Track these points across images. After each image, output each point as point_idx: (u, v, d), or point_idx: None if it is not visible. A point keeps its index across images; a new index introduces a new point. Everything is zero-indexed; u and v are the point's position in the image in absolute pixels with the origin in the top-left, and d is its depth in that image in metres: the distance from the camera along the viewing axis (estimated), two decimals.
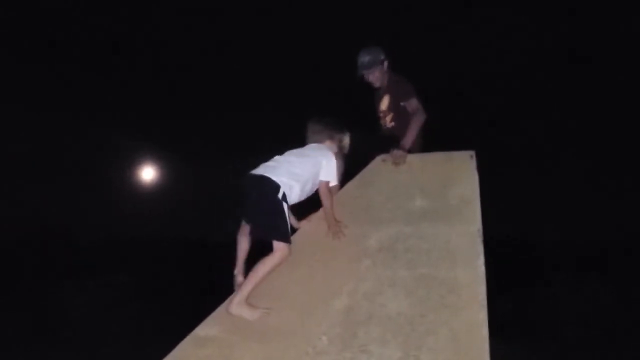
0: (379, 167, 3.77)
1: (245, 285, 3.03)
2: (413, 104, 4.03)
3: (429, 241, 3.21)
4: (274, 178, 3.18)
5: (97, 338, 7.73)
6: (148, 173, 15.56)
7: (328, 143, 3.66)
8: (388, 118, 4.34)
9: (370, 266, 3.14)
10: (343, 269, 3.18)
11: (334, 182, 3.49)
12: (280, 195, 3.14)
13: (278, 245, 3.08)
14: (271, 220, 3.13)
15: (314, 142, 3.65)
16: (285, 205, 3.16)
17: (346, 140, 3.77)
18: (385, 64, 4.30)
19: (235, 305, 2.99)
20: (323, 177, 3.42)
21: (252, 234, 3.33)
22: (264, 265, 3.05)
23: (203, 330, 2.99)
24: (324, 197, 3.41)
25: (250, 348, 2.83)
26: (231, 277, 3.41)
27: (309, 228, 3.53)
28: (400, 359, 2.65)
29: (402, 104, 4.09)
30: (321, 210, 3.50)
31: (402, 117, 4.13)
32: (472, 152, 3.64)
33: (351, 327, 2.84)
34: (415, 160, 3.75)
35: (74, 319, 8.54)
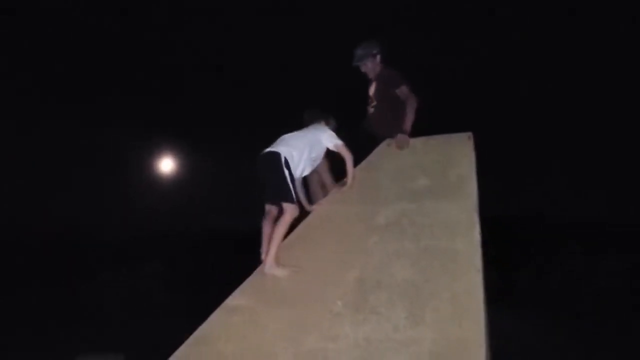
0: (385, 150, 4.15)
1: (271, 248, 3.53)
2: (404, 90, 4.41)
3: (431, 216, 3.58)
4: (274, 150, 3.76)
5: (130, 321, 8.26)
6: (172, 167, 15.99)
7: (323, 124, 4.23)
8: (371, 105, 4.76)
9: (378, 240, 3.52)
10: (355, 243, 3.57)
11: (339, 141, 4.03)
12: (282, 162, 3.68)
13: (287, 206, 3.62)
14: (279, 186, 3.66)
15: (312, 123, 4.23)
16: (287, 172, 3.68)
17: (333, 122, 4.36)
18: (378, 57, 4.68)
19: (268, 266, 3.51)
20: (333, 142, 4.01)
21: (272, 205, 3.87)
22: (280, 227, 3.57)
23: (233, 300, 3.39)
24: (347, 159, 3.99)
25: (274, 314, 3.23)
26: (256, 262, 3.84)
27: (323, 210, 3.93)
28: (406, 319, 3.02)
29: (395, 91, 4.44)
30: (331, 194, 4.08)
31: (384, 104, 4.56)
32: (470, 134, 4.00)
33: (363, 293, 3.21)
34: (418, 143, 4.11)
35: (109, 306, 9.09)
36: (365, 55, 4.66)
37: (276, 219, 3.77)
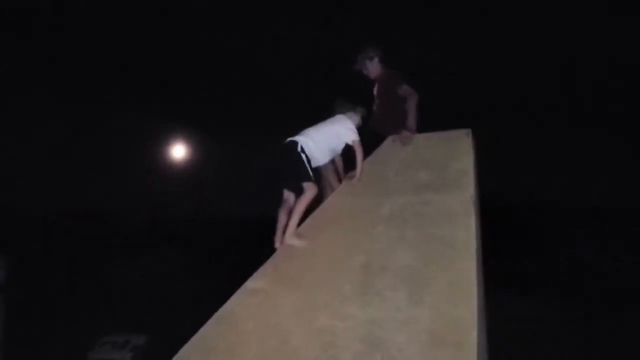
0: (390, 146, 4.48)
1: (292, 221, 3.96)
2: (405, 89, 4.76)
3: (432, 207, 3.91)
4: (291, 139, 4.21)
5: (152, 304, 8.66)
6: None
7: (350, 112, 4.60)
8: (375, 104, 5.14)
9: (383, 229, 3.86)
10: (361, 232, 3.91)
11: (356, 137, 4.40)
12: (299, 148, 4.13)
13: (306, 185, 4.04)
14: (297, 169, 4.11)
15: (339, 113, 4.60)
16: (304, 155, 4.12)
17: (361, 110, 4.74)
18: (376, 59, 5.03)
19: (288, 237, 3.95)
20: (351, 138, 4.37)
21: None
22: (301, 204, 4.01)
23: (251, 283, 3.75)
24: (358, 154, 4.36)
25: (289, 295, 3.58)
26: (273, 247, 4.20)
27: (333, 202, 4.28)
28: (407, 300, 3.35)
29: (397, 90, 4.76)
30: (342, 184, 4.46)
31: (386, 103, 4.96)
32: (469, 130, 4.31)
33: (369, 277, 3.55)
34: (421, 139, 4.43)
35: (132, 289, 9.50)
36: (362, 59, 5.08)
37: (292, 209, 4.13)
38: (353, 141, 4.35)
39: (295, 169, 4.12)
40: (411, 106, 4.62)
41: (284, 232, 4.09)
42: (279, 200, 4.32)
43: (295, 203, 4.11)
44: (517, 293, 9.72)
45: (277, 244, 4.12)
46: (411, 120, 4.54)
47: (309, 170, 4.11)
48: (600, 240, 12.88)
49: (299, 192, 4.16)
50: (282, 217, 4.20)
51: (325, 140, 4.34)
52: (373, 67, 5.08)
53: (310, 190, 4.05)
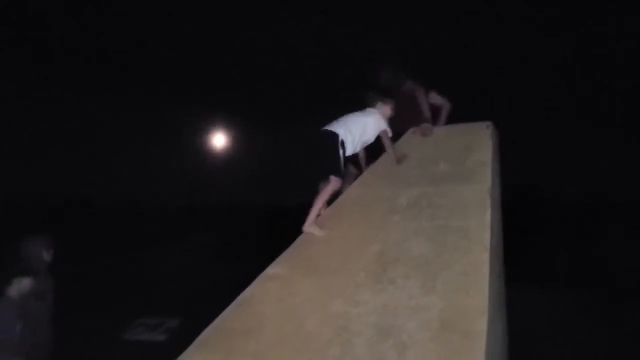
0: (410, 139, 4.54)
1: (312, 211, 4.11)
2: (410, 85, 4.88)
3: (447, 198, 3.98)
4: (334, 130, 4.32)
5: (184, 293, 8.96)
6: (224, 142, 16.59)
7: (380, 104, 4.72)
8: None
9: (399, 219, 3.95)
10: (377, 222, 4.01)
11: (384, 127, 4.57)
12: (339, 143, 4.26)
13: (333, 178, 4.20)
14: (331, 163, 4.25)
15: (370, 105, 4.73)
16: (341, 151, 4.27)
17: (390, 102, 4.82)
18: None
19: (307, 226, 4.09)
20: (379, 128, 4.55)
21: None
22: (323, 194, 4.19)
23: (271, 270, 3.90)
24: (385, 142, 4.57)
25: (306, 282, 3.71)
26: (292, 235, 4.33)
27: (352, 193, 4.38)
28: (420, 289, 3.43)
29: (404, 88, 4.84)
30: (363, 175, 4.64)
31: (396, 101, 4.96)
32: (489, 123, 4.33)
33: (383, 265, 3.65)
34: (440, 131, 4.49)
35: (164, 277, 9.83)
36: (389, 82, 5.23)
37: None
38: (381, 131, 4.45)
39: (328, 160, 4.26)
40: (421, 101, 4.69)
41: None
42: (305, 189, 4.49)
43: (318, 194, 4.26)
44: (544, 287, 9.60)
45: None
46: (425, 113, 4.62)
47: (341, 167, 4.27)
48: (628, 234, 12.58)
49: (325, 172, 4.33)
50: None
51: (360, 131, 4.47)
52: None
53: (335, 183, 4.21)
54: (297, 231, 4.24)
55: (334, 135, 4.30)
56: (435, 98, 4.86)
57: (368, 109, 4.70)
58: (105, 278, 9.98)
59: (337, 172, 4.24)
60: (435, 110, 4.91)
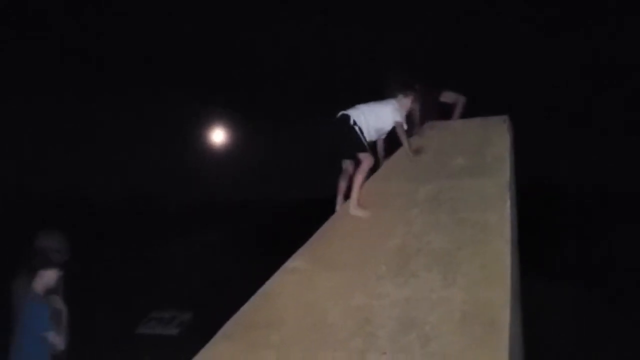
0: (428, 133, 4.57)
1: (354, 193, 4.18)
2: (449, 95, 4.85)
3: (466, 191, 4.00)
4: (344, 112, 4.40)
5: (192, 287, 9.02)
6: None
7: (400, 96, 4.72)
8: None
9: (418, 213, 3.97)
10: (398, 216, 4.04)
11: (398, 118, 4.56)
12: (352, 122, 4.34)
13: (362, 156, 4.27)
14: (352, 140, 4.32)
15: (389, 96, 4.74)
16: (357, 127, 4.33)
17: (410, 94, 4.81)
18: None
19: (352, 208, 4.16)
20: (394, 119, 4.54)
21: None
22: (359, 175, 4.23)
23: (291, 263, 3.92)
24: (399, 134, 4.56)
25: (326, 275, 3.73)
26: (311, 229, 4.37)
27: (371, 187, 4.42)
28: (441, 281, 3.46)
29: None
30: (381, 169, 4.64)
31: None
32: (506, 117, 4.35)
33: (404, 258, 3.67)
34: (457, 125, 4.50)
35: (172, 273, 9.89)
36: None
37: (352, 176, 4.35)
38: (395, 122, 4.49)
39: (349, 140, 4.32)
40: (459, 108, 4.73)
41: (344, 197, 4.36)
42: (325, 182, 4.53)
43: (354, 173, 4.32)
44: (561, 279, 9.62)
45: (337, 207, 4.40)
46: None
47: (364, 140, 4.32)
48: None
49: (356, 162, 4.38)
50: (341, 184, 4.46)
51: (373, 118, 4.50)
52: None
53: (366, 160, 4.27)
54: (304, 226, 4.28)
55: (344, 116, 4.39)
56: (449, 96, 4.88)
57: (388, 99, 4.72)
58: (114, 275, 10.02)
59: (362, 148, 4.30)
60: (449, 108, 4.93)
